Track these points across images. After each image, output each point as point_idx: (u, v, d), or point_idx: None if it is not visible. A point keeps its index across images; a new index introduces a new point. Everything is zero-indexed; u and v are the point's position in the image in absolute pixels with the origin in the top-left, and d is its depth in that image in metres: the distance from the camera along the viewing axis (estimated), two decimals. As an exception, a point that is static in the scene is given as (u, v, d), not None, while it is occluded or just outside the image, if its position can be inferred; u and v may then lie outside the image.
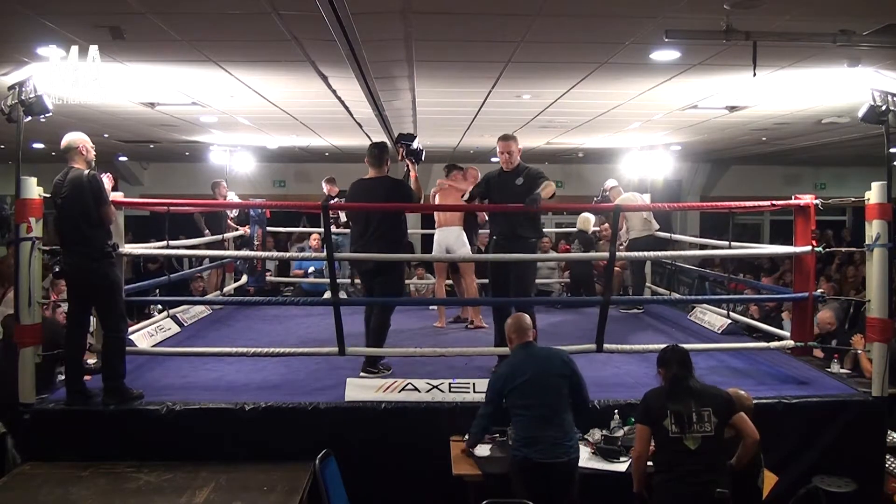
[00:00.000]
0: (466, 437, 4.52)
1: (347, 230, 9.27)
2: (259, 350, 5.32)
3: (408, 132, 6.07)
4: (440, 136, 11.51)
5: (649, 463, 3.80)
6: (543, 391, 3.94)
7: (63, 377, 4.94)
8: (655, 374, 4.01)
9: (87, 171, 4.58)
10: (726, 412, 3.71)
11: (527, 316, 4.24)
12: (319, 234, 9.90)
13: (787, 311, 7.82)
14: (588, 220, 8.38)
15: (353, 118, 9.12)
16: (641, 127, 10.09)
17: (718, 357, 5.86)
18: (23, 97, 4.56)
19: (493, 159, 15.28)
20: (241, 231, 8.75)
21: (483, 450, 4.36)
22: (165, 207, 6.60)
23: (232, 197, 9.38)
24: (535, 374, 3.96)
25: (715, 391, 3.83)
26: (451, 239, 6.96)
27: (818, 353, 6.10)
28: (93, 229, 4.55)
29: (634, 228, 8.09)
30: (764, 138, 11.33)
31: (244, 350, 5.39)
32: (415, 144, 5.79)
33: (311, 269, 9.47)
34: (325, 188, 9.84)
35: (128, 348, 4.95)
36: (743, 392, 4.17)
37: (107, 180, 4.82)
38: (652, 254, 6.97)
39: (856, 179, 14.25)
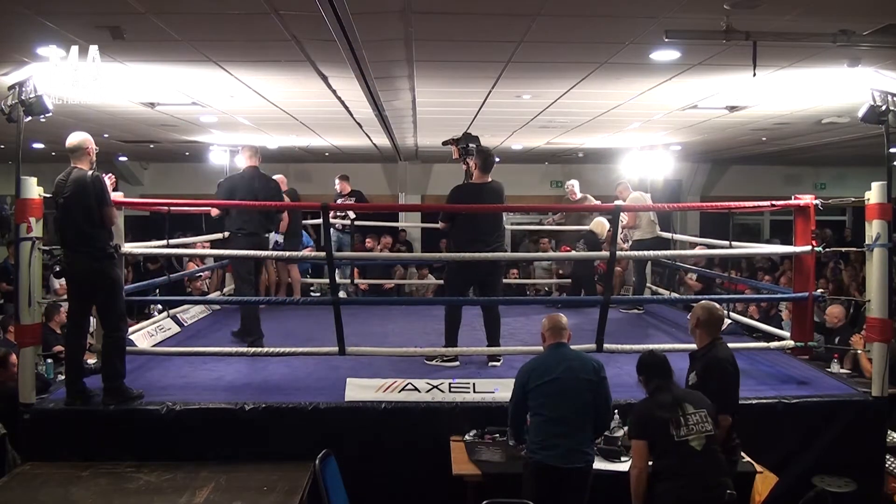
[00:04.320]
0: (465, 437, 4.54)
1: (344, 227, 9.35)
2: (259, 350, 5.33)
3: (474, 135, 6.25)
4: (440, 136, 11.46)
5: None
6: (567, 394, 3.85)
7: (63, 377, 4.94)
8: (636, 383, 4.03)
9: (90, 172, 4.59)
10: (714, 413, 3.74)
11: (563, 316, 4.15)
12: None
13: (787, 310, 7.84)
14: (602, 225, 8.25)
15: (353, 118, 9.12)
16: (641, 127, 10.09)
17: (718, 357, 5.85)
18: (23, 97, 4.56)
19: (495, 159, 15.35)
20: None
21: (483, 451, 4.37)
22: (166, 208, 6.62)
23: None
24: (562, 376, 3.88)
25: (701, 394, 3.85)
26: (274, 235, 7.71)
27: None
28: (94, 229, 4.55)
29: (640, 229, 8.10)
30: (764, 138, 11.33)
31: (244, 350, 5.40)
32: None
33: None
34: (338, 185, 9.82)
35: (128, 348, 4.95)
36: (715, 304, 4.28)
37: (107, 181, 4.81)
38: (651, 253, 6.97)
39: (856, 179, 14.24)
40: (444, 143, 6.58)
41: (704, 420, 3.66)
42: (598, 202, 9.53)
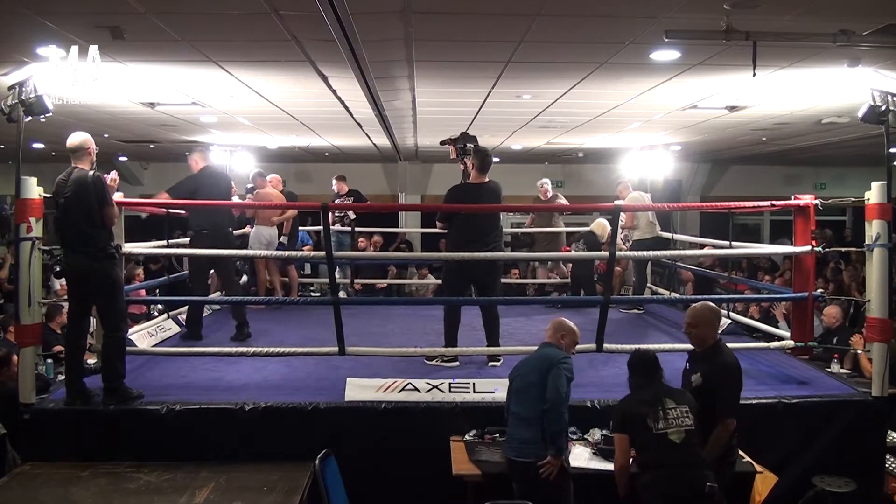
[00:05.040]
0: (465, 437, 4.54)
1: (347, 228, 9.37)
2: (259, 350, 5.32)
3: (472, 135, 6.25)
4: (440, 136, 11.46)
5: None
6: (525, 390, 4.00)
7: (63, 377, 4.94)
8: (626, 381, 4.09)
9: (91, 172, 4.59)
10: (696, 410, 3.80)
11: (565, 321, 4.20)
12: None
13: (778, 309, 7.85)
14: (604, 227, 8.21)
15: (353, 118, 9.13)
16: (641, 127, 10.09)
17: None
18: (23, 97, 4.56)
19: (494, 159, 15.34)
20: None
21: (483, 451, 4.38)
22: (165, 210, 6.62)
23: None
24: (525, 373, 4.06)
25: (686, 392, 3.94)
26: (273, 235, 8.04)
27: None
28: (95, 229, 4.55)
29: (639, 229, 8.10)
30: (764, 138, 11.33)
31: (244, 350, 5.39)
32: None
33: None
34: (335, 186, 9.84)
35: (128, 348, 4.95)
36: (711, 303, 4.29)
37: (110, 181, 4.81)
38: (651, 253, 6.96)
39: (856, 179, 14.24)
40: (442, 143, 6.58)
41: (685, 415, 3.74)
42: (567, 202, 9.62)
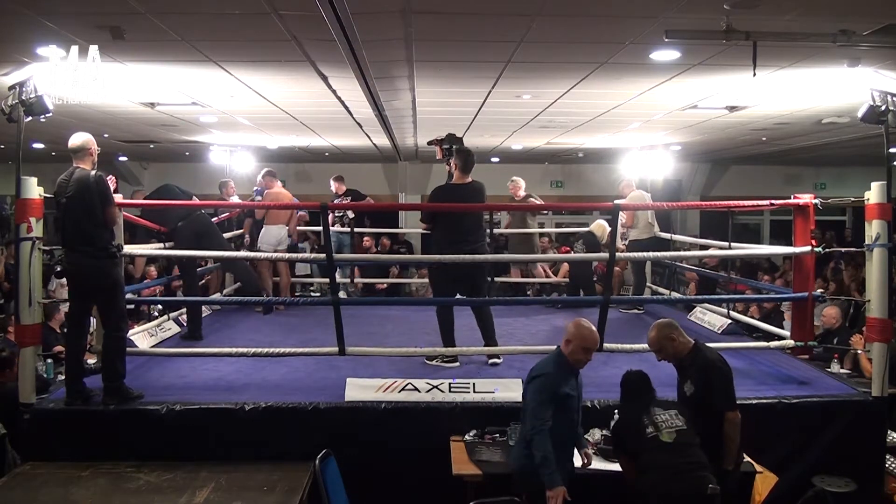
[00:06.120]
0: (465, 437, 4.54)
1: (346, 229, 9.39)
2: (259, 350, 5.32)
3: (458, 136, 6.25)
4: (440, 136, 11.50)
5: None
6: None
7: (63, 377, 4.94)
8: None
9: (93, 172, 4.59)
10: (686, 413, 3.88)
11: (580, 322, 3.95)
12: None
13: (787, 310, 7.83)
14: (604, 228, 8.18)
15: (353, 118, 9.13)
16: (641, 127, 10.09)
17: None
18: (23, 97, 4.56)
19: (493, 159, 15.36)
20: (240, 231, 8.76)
21: (483, 451, 4.38)
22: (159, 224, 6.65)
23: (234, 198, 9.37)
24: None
25: (674, 402, 4.04)
26: (283, 234, 8.18)
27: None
28: (97, 228, 4.56)
29: (637, 229, 8.09)
30: (764, 138, 11.33)
31: (244, 350, 5.39)
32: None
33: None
34: (333, 186, 9.85)
35: (128, 349, 4.95)
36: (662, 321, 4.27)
37: (110, 182, 4.82)
38: (651, 254, 6.97)
39: (856, 179, 14.21)
40: (429, 143, 6.60)
41: (674, 417, 3.82)
42: (542, 201, 9.56)
